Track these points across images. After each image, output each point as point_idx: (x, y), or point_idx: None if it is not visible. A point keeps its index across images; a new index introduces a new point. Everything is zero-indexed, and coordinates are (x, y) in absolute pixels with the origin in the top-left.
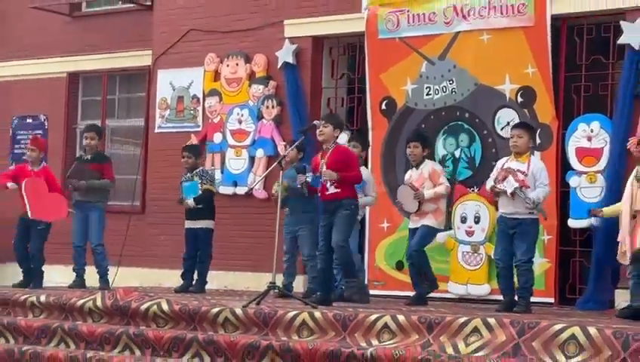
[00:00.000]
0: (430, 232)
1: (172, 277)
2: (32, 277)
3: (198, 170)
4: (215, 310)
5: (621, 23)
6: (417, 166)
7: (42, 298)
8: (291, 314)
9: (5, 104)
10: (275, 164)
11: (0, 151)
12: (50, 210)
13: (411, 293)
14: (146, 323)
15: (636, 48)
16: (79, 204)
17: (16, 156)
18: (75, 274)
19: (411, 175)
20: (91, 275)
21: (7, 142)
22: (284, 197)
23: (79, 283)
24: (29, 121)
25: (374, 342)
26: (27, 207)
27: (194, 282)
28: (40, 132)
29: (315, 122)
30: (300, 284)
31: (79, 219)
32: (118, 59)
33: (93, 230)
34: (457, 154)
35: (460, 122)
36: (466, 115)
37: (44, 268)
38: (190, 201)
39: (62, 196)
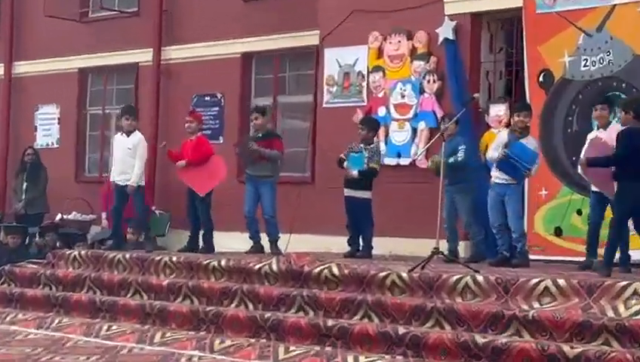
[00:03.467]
0: None
1: (340, 244)
2: (197, 243)
3: (372, 145)
4: (382, 274)
5: None
6: (605, 127)
7: (223, 262)
8: (455, 278)
9: (186, 84)
10: (437, 135)
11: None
12: (212, 176)
13: (571, 258)
14: (318, 286)
15: None
16: (251, 178)
17: None
18: (251, 240)
19: (596, 135)
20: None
21: None
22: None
23: (257, 248)
24: (207, 98)
25: (535, 304)
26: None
27: (360, 248)
28: (217, 109)
29: (475, 95)
30: (463, 250)
31: (250, 191)
32: (288, 39)
33: (266, 203)
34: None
35: (616, 93)
36: (623, 85)
37: (218, 234)
38: (354, 173)
39: (216, 159)
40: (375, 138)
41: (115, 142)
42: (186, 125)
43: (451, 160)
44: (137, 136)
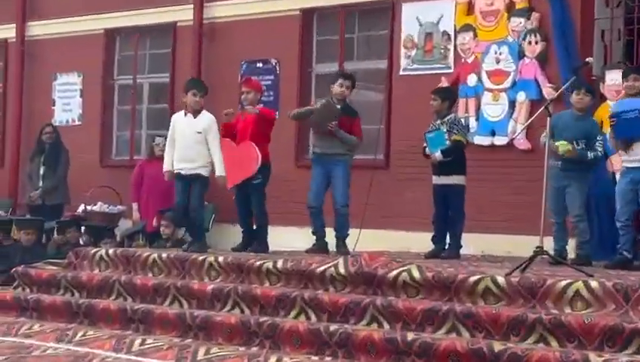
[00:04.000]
0: None
1: (421, 241)
2: (253, 240)
3: (448, 117)
4: (473, 278)
5: None
6: None
7: (279, 264)
8: (562, 283)
9: (233, 48)
10: (542, 109)
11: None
12: (244, 167)
13: None
14: (395, 293)
15: None
16: (320, 157)
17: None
18: (314, 236)
19: None
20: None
21: (237, 89)
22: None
23: (321, 246)
24: (259, 65)
25: None
26: None
27: (446, 247)
28: (271, 78)
29: (588, 59)
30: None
31: (319, 175)
32: None
33: (339, 188)
34: None
35: None
36: None
37: (273, 229)
38: (437, 154)
39: (248, 145)
40: (453, 111)
41: (177, 123)
42: (242, 96)
43: (590, 156)
44: (207, 117)
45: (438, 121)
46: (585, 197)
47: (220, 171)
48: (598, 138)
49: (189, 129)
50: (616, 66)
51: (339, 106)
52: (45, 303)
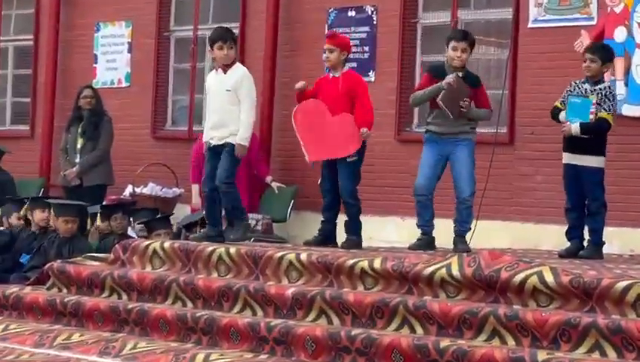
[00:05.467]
0: None
1: (554, 236)
2: (334, 233)
3: (602, 86)
4: (622, 284)
5: None
6: None
7: (376, 263)
8: None
9: None
10: None
11: (315, 59)
12: (349, 140)
13: None
14: (522, 301)
15: None
16: (438, 136)
17: None
18: (420, 230)
19: None
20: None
21: (322, 44)
22: None
23: (427, 241)
24: (352, 14)
25: None
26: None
27: (585, 243)
28: (366, 29)
29: None
30: None
31: (433, 156)
32: None
33: (464, 174)
34: None
35: None
36: None
37: (368, 219)
38: (575, 126)
39: (349, 118)
40: (608, 75)
41: (208, 84)
42: (325, 56)
43: None
44: (240, 70)
45: (587, 86)
46: None
47: (242, 137)
48: None
49: (218, 88)
50: None
51: (460, 74)
52: (87, 307)
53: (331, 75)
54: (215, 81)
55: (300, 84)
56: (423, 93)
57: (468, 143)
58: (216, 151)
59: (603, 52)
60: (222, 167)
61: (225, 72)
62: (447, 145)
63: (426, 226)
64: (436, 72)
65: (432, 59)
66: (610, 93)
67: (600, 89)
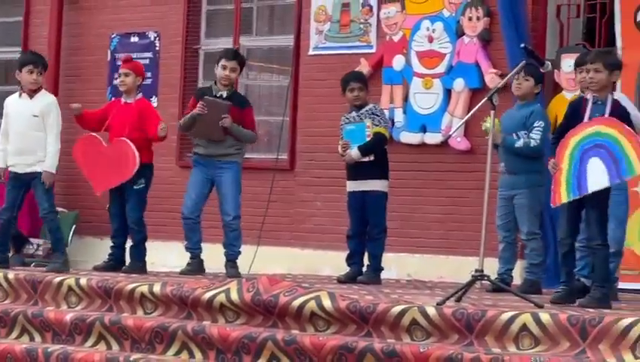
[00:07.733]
0: None
1: (333, 261)
2: (130, 257)
3: (367, 107)
4: (397, 309)
5: None
6: None
7: (156, 288)
8: (507, 316)
9: (98, 19)
10: (484, 100)
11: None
12: (121, 170)
13: None
14: (300, 326)
15: None
16: (203, 159)
17: (115, 89)
18: (189, 253)
19: None
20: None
21: (105, 69)
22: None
23: (196, 266)
24: (134, 40)
25: (627, 356)
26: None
27: (364, 269)
28: (149, 55)
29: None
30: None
31: (200, 180)
32: None
33: (228, 197)
34: None
35: None
36: None
37: (151, 244)
38: (354, 152)
39: (126, 145)
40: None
41: (10, 107)
42: (119, 80)
43: (519, 143)
44: (48, 97)
45: (354, 113)
46: (539, 209)
47: (49, 165)
48: (535, 125)
49: (23, 113)
50: (573, 49)
51: (224, 94)
52: None
53: (124, 100)
54: (19, 106)
55: (74, 106)
56: (184, 120)
57: (233, 165)
58: (21, 180)
59: (363, 79)
60: (42, 199)
61: (31, 97)
62: (212, 167)
63: (195, 249)
64: (202, 95)
65: None
66: (376, 109)
67: (366, 110)
